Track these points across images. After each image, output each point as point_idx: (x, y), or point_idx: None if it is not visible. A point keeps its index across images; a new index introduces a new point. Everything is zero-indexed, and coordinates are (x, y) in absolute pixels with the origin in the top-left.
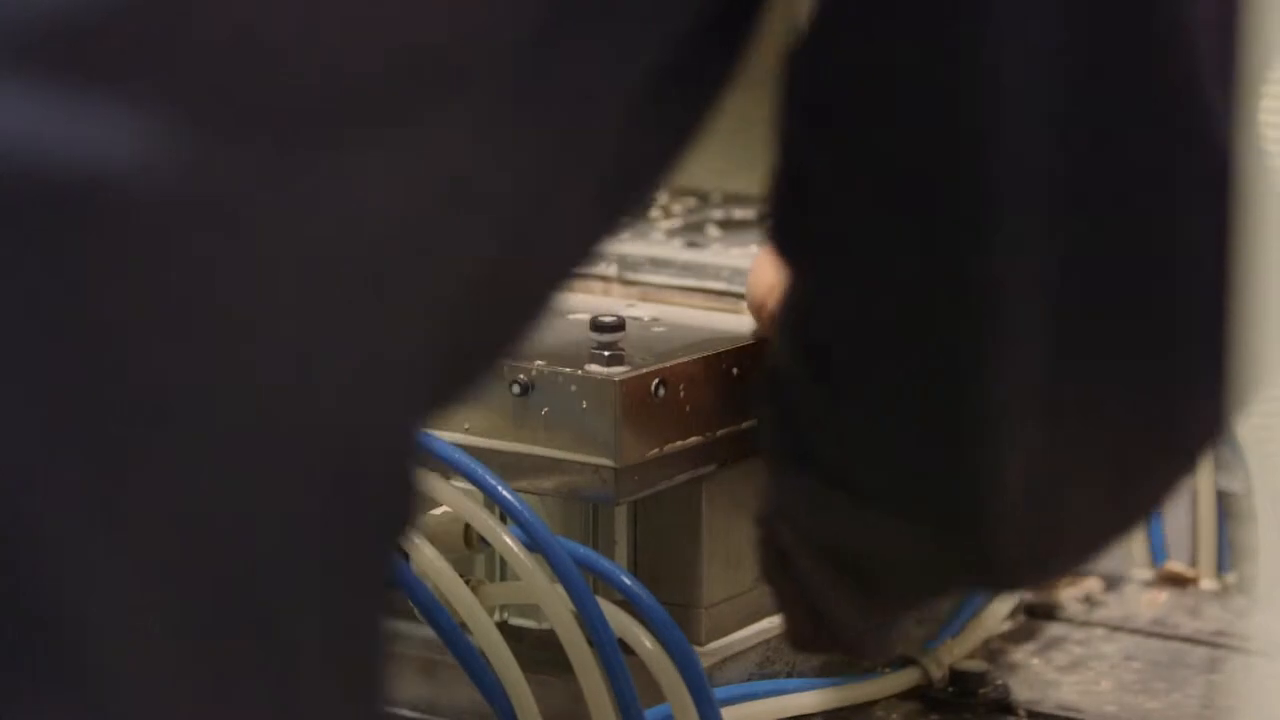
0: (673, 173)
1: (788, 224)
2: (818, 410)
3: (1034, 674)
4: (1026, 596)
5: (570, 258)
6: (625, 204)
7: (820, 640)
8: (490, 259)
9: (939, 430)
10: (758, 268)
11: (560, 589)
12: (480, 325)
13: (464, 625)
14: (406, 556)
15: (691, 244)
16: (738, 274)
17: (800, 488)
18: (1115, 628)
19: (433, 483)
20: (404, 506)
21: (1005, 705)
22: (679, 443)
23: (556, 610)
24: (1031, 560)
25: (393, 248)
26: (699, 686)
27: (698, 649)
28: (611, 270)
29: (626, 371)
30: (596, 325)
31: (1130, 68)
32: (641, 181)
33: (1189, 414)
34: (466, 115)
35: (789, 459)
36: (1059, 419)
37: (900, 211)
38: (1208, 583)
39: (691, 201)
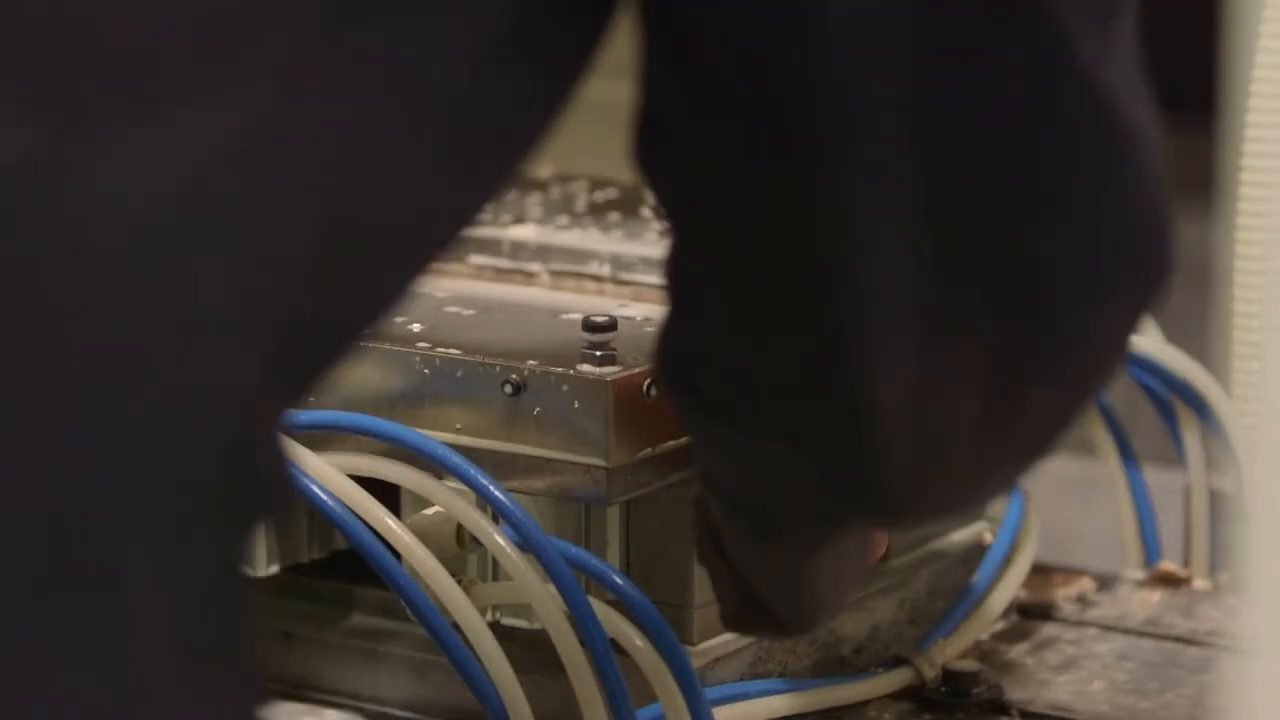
0: (534, 153)
1: (651, 170)
2: (699, 347)
3: (1027, 674)
4: (1020, 596)
5: (422, 230)
6: (484, 181)
7: (749, 617)
8: (318, 220)
9: (809, 354)
10: None
11: (552, 589)
12: (327, 295)
13: (456, 625)
14: (398, 556)
15: None
16: None
17: (698, 428)
18: (1108, 628)
19: (425, 482)
20: (252, 486)
21: (998, 705)
22: (671, 443)
23: (548, 610)
24: (914, 489)
25: (206, 210)
26: (691, 686)
27: (689, 649)
28: (604, 270)
29: (619, 371)
30: (589, 325)
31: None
32: (498, 157)
33: (1067, 338)
34: (273, 77)
35: (683, 399)
36: (931, 340)
37: (752, 141)
38: (1201, 583)
39: None
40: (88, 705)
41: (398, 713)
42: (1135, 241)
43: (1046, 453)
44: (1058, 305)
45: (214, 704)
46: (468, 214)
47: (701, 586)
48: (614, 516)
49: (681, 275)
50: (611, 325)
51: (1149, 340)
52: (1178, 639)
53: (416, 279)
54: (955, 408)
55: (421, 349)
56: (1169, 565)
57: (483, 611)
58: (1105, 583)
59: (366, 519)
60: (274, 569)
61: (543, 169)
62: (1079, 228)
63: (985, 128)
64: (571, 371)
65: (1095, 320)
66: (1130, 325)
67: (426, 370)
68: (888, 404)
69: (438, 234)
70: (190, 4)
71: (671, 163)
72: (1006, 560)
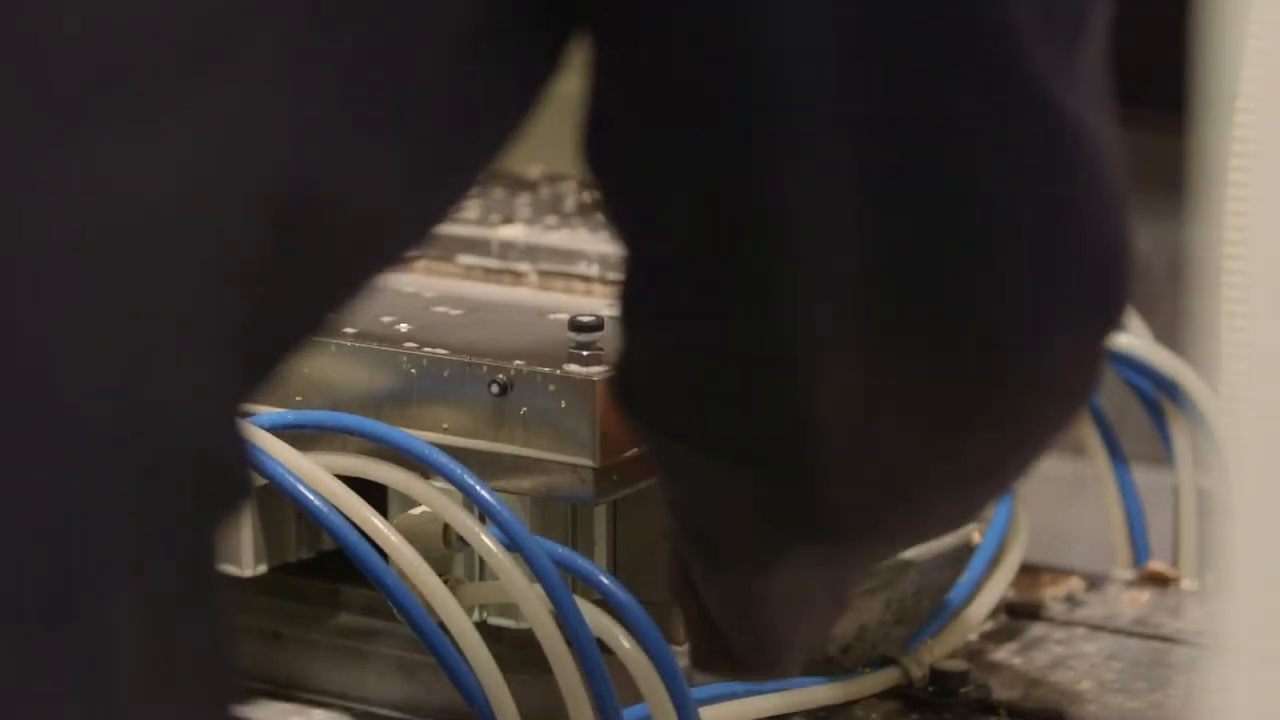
0: (503, 154)
1: (599, 170)
2: (650, 362)
3: (1015, 673)
4: (1008, 595)
5: (390, 228)
6: (452, 181)
7: (714, 653)
8: (283, 220)
9: (753, 364)
10: None
11: (539, 588)
12: (290, 291)
13: (442, 625)
14: (384, 556)
15: None
16: None
17: (652, 447)
18: (1097, 627)
19: (412, 482)
20: (218, 480)
21: (986, 705)
22: None
23: (535, 610)
24: (857, 514)
25: (174, 214)
26: (677, 686)
27: (676, 649)
28: (593, 270)
29: (606, 371)
30: (576, 325)
31: None
32: (466, 157)
33: (1009, 365)
34: (241, 84)
35: (637, 416)
36: (875, 356)
37: (699, 146)
38: (1189, 583)
39: None
40: (63, 709)
41: (385, 712)
42: (1085, 274)
43: (1007, 481)
44: (999, 331)
45: (189, 704)
46: (436, 212)
47: None
48: (601, 516)
49: (631, 285)
50: (598, 325)
51: (1138, 340)
52: (1166, 639)
53: (382, 274)
54: (899, 431)
55: (409, 349)
56: (1158, 565)
57: (469, 611)
58: (1094, 582)
59: (353, 519)
60: (261, 569)
61: (531, 169)
62: (1028, 255)
63: (935, 145)
64: (558, 371)
65: (1042, 348)
66: (1087, 353)
67: (413, 370)
68: (830, 422)
69: (406, 232)
70: (160, 12)
71: (619, 163)
72: (994, 560)
